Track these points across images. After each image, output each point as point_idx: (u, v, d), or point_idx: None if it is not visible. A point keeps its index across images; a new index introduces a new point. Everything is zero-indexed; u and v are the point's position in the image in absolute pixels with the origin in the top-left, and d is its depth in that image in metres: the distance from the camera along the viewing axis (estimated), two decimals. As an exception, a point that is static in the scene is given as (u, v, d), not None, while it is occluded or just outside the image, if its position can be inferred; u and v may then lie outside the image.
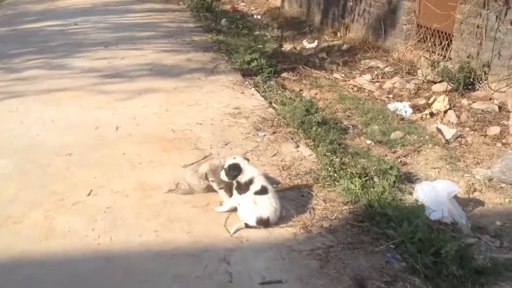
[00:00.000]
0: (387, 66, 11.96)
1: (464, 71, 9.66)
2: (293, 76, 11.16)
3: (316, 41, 14.88)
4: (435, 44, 11.18)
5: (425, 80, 10.58)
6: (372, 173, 5.66)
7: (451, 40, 10.68)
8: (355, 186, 5.25)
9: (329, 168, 5.68)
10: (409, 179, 6.10)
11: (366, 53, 13.00)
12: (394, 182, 5.65)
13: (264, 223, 4.64)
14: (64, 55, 11.17)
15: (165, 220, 4.76)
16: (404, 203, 5.11)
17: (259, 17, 19.61)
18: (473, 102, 9.22)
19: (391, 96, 10.09)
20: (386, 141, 7.39)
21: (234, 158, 4.93)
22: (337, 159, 5.91)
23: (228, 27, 15.50)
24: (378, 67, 12.04)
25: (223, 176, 4.85)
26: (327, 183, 5.51)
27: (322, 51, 13.75)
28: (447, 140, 7.54)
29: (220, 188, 5.02)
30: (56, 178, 5.54)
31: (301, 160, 6.17)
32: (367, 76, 11.37)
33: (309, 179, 5.65)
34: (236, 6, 21.45)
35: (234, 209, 4.87)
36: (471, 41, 9.94)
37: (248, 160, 5.01)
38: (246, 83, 9.48)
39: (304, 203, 5.13)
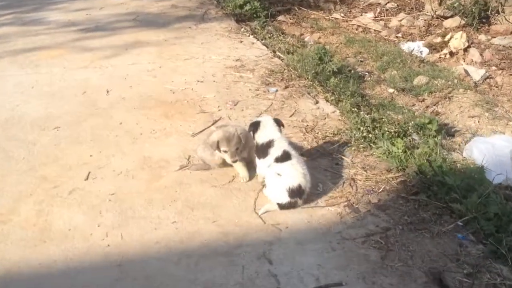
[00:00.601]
0: (389, 2, 11.03)
1: (479, 3, 8.81)
2: (290, 19, 10.21)
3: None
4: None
5: (434, 16, 9.73)
6: (410, 130, 4.91)
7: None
8: (398, 148, 4.51)
9: (361, 128, 4.91)
10: (448, 131, 5.38)
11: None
12: (435, 138, 4.91)
13: (297, 193, 3.90)
14: (36, 8, 9.99)
15: (183, 207, 3.98)
16: (460, 165, 4.41)
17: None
18: (492, 37, 8.44)
19: (400, 35, 9.26)
20: (409, 88, 6.63)
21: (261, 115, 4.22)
22: (367, 116, 5.13)
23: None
24: (379, 3, 11.10)
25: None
26: (362, 145, 4.76)
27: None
28: (475, 83, 6.80)
29: (234, 161, 4.23)
30: (45, 159, 4.69)
31: (324, 118, 5.39)
32: (370, 14, 10.46)
33: (339, 141, 4.88)
34: None
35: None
36: (485, -31, 9.04)
37: (280, 123, 4.25)
38: (242, 30, 8.53)
39: (341, 172, 4.39)
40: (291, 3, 11.36)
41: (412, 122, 5.05)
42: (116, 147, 4.84)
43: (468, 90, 6.37)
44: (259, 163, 4.20)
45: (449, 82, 6.57)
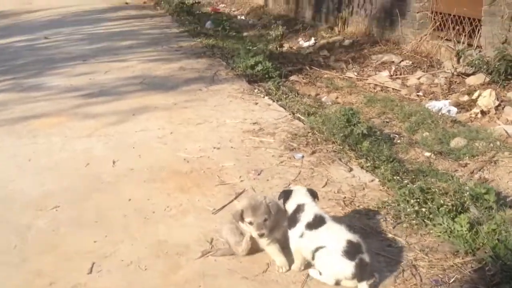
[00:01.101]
0: (403, 60, 10.59)
1: (506, 58, 8.31)
2: (303, 78, 9.73)
3: (313, 39, 13.54)
4: (458, 32, 9.85)
5: (454, 73, 9.23)
6: (468, 202, 4.20)
7: (476, 26, 9.36)
8: (461, 226, 3.80)
9: (410, 200, 4.21)
10: (505, 202, 4.67)
11: (373, 48, 11.66)
12: (498, 211, 4.21)
13: (364, 268, 3.28)
14: (37, 73, 9.48)
15: (211, 308, 3.23)
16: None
17: (242, 17, 18.33)
18: (525, 94, 7.88)
19: (421, 93, 8.72)
20: (447, 151, 5.97)
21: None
22: (415, 185, 4.45)
23: (214, 29, 14.09)
24: (393, 61, 10.67)
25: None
26: (415, 222, 4.04)
27: (322, 49, 12.39)
28: (517, 144, 6.16)
29: (261, 235, 3.52)
30: (41, 247, 3.94)
31: (363, 188, 4.71)
32: (385, 73, 9.99)
33: (386, 217, 4.17)
34: (217, 8, 20.14)
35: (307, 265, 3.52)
36: (507, 23, 8.63)
37: (315, 193, 3.74)
38: (256, 91, 8.02)
39: (397, 257, 3.65)
40: (302, 63, 10.99)
41: (468, 193, 4.34)
42: (125, 230, 4.13)
43: (517, 154, 5.71)
44: (290, 233, 3.60)
45: (491, 144, 5.93)
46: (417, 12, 10.89)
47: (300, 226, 3.52)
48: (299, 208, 3.58)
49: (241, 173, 5.09)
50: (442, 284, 3.35)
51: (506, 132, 6.29)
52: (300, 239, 3.51)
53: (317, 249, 3.40)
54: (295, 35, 14.40)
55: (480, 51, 9.08)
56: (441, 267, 3.52)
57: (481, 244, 3.63)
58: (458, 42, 9.73)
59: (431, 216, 4.06)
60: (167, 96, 7.78)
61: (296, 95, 8.07)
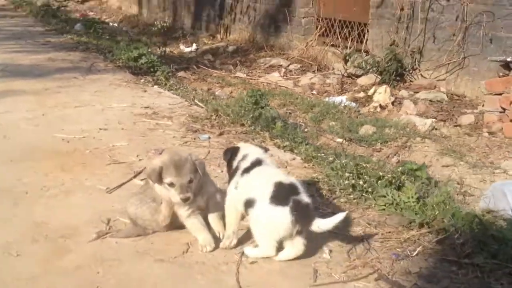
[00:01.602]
0: (291, 64, 10.32)
1: (394, 59, 8.33)
2: (191, 75, 9.02)
3: (195, 45, 12.89)
4: (345, 37, 9.81)
5: (345, 74, 9.11)
6: (403, 177, 3.73)
7: (362, 30, 9.39)
8: (409, 198, 3.29)
9: (344, 174, 3.65)
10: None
11: (259, 53, 11.31)
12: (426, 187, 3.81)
13: (304, 210, 2.59)
14: None
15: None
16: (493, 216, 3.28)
17: (115, 24, 17.17)
18: (415, 92, 7.89)
19: (315, 92, 8.43)
20: (358, 138, 5.59)
21: None
22: (338, 161, 3.92)
23: (85, 31, 12.83)
24: (281, 65, 10.34)
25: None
26: (352, 196, 3.46)
27: (206, 54, 11.77)
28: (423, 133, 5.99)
29: (186, 199, 2.71)
30: None
31: (285, 166, 4.05)
32: (275, 74, 9.62)
33: (321, 193, 3.55)
34: (87, 13, 18.77)
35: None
36: (394, 26, 8.70)
37: (267, 149, 3.11)
38: (143, 81, 7.09)
39: (344, 232, 3.01)
40: (187, 63, 10.28)
41: (399, 169, 3.89)
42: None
43: (426, 139, 5.50)
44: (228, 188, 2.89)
45: (401, 131, 5.68)
46: (303, 18, 10.71)
47: (237, 175, 2.80)
48: (243, 158, 2.86)
49: (137, 152, 4.20)
50: (404, 258, 2.76)
51: (414, 121, 6.08)
52: (234, 191, 2.78)
53: (248, 202, 2.68)
54: (175, 42, 13.64)
55: (367, 54, 9.06)
56: (396, 240, 2.95)
57: (434, 215, 3.13)
58: (346, 47, 9.67)
59: (369, 189, 3.52)
60: (36, 82, 6.60)
61: (188, 87, 7.30)
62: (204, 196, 2.84)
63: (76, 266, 2.55)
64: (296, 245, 2.63)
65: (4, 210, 3.09)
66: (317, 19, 10.63)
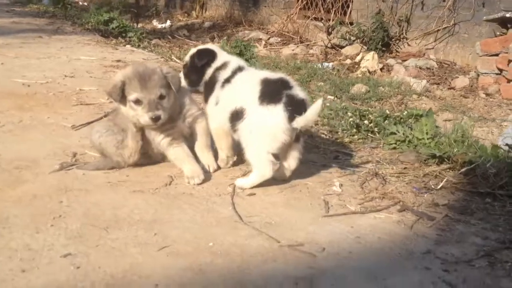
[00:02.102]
0: (271, 37, 9.87)
1: (381, 28, 7.97)
2: (166, 43, 8.47)
3: (169, 21, 12.32)
4: (327, 9, 9.40)
5: (328, 46, 8.70)
6: (410, 120, 3.31)
7: (345, 2, 9.00)
8: (423, 133, 2.87)
9: (346, 114, 3.22)
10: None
11: (237, 28, 10.83)
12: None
13: (300, 106, 2.15)
14: None
15: (84, 227, 1.81)
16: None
17: (85, 3, 16.43)
18: (403, 60, 7.52)
19: (299, 61, 8.00)
20: (350, 96, 5.16)
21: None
22: (336, 104, 3.50)
23: (54, 6, 12.14)
24: (261, 38, 9.86)
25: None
26: (357, 137, 3.03)
27: (180, 29, 11.22)
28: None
29: (156, 119, 2.22)
30: None
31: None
32: (256, 45, 9.16)
33: (321, 134, 3.11)
34: (54, -9, 17.95)
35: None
36: (380, -5, 8.33)
37: None
38: (114, 42, 6.53)
39: (352, 167, 2.58)
40: (162, 35, 9.74)
41: (406, 112, 3.48)
42: None
43: (423, 96, 5.11)
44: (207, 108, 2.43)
45: (396, 90, 5.27)
46: (283, -9, 10.30)
47: (216, 88, 2.33)
48: (222, 67, 2.38)
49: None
50: (427, 191, 2.33)
51: (408, 81, 5.70)
52: (215, 108, 2.31)
53: (234, 115, 2.22)
54: (148, 19, 13.04)
55: (352, 24, 8.67)
56: (414, 175, 2.52)
57: (453, 150, 2.71)
58: (328, 19, 9.26)
59: (376, 129, 3.09)
60: (-6, 39, 5.96)
61: (163, 49, 6.78)
62: (186, 119, 2.35)
63: (33, 195, 2.04)
64: (293, 159, 2.23)
65: None
66: (298, -9, 10.20)
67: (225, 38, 6.08)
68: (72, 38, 6.56)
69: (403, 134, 2.92)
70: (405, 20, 8.07)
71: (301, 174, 2.37)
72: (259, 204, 2.10)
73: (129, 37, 6.83)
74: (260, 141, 2.13)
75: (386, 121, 3.18)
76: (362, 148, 2.93)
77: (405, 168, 2.63)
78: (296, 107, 2.09)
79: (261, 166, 2.17)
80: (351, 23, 8.85)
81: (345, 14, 9.13)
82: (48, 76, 4.19)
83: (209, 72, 2.39)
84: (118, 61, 5.05)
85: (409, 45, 7.99)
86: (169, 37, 9.18)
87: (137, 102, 2.18)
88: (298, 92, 2.17)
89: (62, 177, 2.23)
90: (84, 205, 1.98)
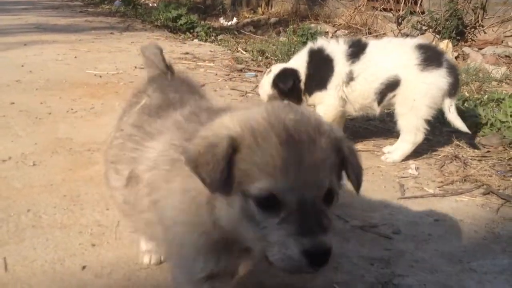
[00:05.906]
0: (338, 30, 9.71)
1: (455, 16, 7.63)
2: (233, 38, 8.51)
3: (235, 18, 12.38)
4: (397, 0, 9.14)
5: (398, 36, 8.43)
6: (492, 104, 3.10)
7: (415, -8, 8.69)
8: (507, 115, 2.67)
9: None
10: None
11: (303, 22, 10.72)
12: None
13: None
14: None
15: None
16: None
17: (154, 4, 16.86)
18: (480, 48, 7.17)
19: (367, 53, 7.81)
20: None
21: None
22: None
23: (125, 7, 12.53)
24: (328, 32, 9.73)
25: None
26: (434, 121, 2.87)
27: (246, 26, 11.24)
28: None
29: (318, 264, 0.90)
30: None
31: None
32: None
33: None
34: (126, -7, 18.55)
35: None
36: (454, -19, 7.97)
37: None
38: (182, 37, 6.62)
39: (432, 153, 2.42)
40: (229, 31, 9.80)
41: (486, 96, 3.27)
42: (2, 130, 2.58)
43: (504, 83, 4.81)
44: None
45: (474, 77, 5.00)
46: (351, -17, 10.11)
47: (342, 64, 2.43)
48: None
49: (177, 84, 3.70)
50: (512, 173, 2.16)
51: (486, 68, 5.42)
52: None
53: (389, 86, 2.34)
54: (215, 18, 13.19)
55: (423, 14, 8.38)
56: (498, 159, 2.34)
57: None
58: (397, 10, 9.00)
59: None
60: (69, 35, 6.19)
61: (229, 42, 6.80)
62: None
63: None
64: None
65: (23, 127, 2.63)
66: (366, -18, 9.97)
67: (291, 27, 5.97)
68: (142, 34, 6.71)
69: (485, 117, 2.74)
70: (480, 7, 7.71)
71: (373, 157, 2.26)
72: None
73: (197, 32, 6.89)
74: (424, 102, 2.26)
75: (465, 104, 3.00)
76: (439, 133, 2.77)
77: (488, 151, 2.46)
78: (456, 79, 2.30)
79: (417, 132, 2.25)
80: (422, 12, 8.56)
81: (415, 3, 8.84)
82: (119, 67, 4.29)
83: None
84: (186, 53, 5.09)
85: (485, 32, 7.62)
86: (235, 32, 9.21)
87: (270, 202, 1.03)
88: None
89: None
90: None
